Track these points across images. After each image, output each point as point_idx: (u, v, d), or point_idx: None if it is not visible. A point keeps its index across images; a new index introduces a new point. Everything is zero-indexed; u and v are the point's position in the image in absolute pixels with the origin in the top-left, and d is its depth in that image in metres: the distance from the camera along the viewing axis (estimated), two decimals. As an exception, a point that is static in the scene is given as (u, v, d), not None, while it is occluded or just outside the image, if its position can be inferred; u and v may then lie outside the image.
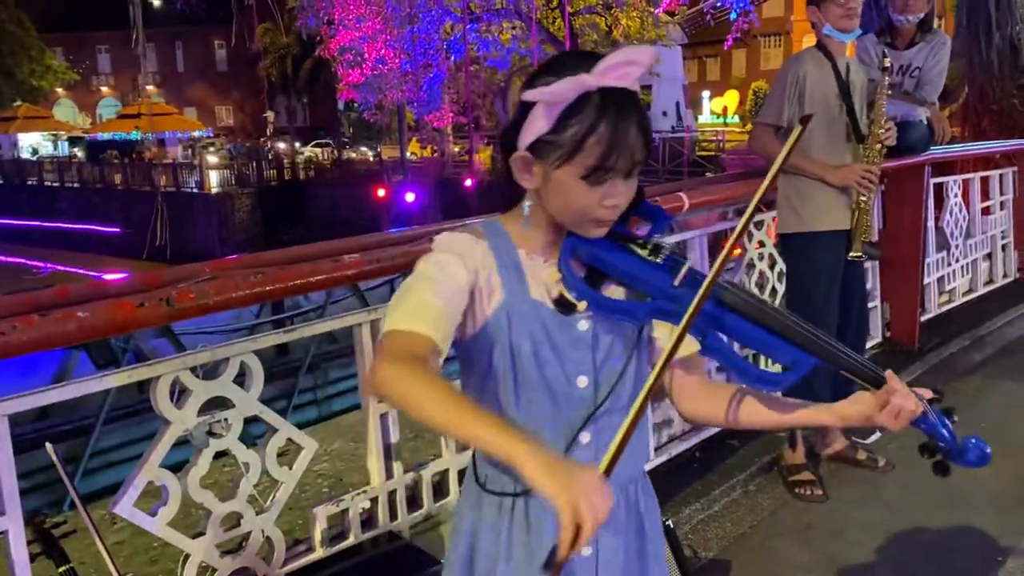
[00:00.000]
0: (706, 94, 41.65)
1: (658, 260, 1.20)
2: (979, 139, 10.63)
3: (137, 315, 1.72)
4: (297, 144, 37.10)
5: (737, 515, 3.08)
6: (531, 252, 1.22)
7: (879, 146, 3.07)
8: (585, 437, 1.24)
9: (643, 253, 1.21)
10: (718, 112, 39.36)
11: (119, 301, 1.70)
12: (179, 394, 2.11)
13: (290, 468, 2.28)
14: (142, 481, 2.02)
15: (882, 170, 4.24)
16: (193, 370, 2.09)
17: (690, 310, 1.11)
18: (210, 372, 2.15)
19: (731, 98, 39.18)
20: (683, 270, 1.19)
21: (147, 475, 2.03)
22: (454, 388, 1.10)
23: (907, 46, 4.22)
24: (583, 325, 1.22)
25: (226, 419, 2.14)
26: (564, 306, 1.20)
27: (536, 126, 1.12)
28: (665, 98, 27.93)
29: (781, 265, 3.72)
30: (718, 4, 17.70)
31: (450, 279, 1.16)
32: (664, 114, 27.75)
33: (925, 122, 4.16)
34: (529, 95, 1.12)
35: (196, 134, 36.32)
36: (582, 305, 1.20)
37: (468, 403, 1.04)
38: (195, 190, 28.00)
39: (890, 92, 3.13)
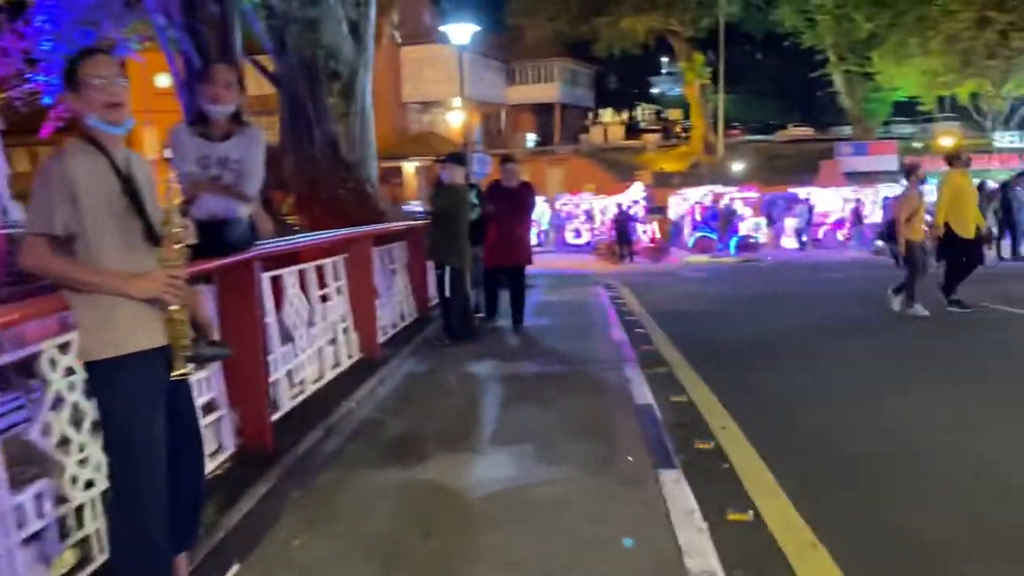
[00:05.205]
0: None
1: None
2: (316, 227, 11.42)
3: None
4: None
5: None
6: None
7: (178, 246, 2.69)
8: None
9: None
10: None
11: None
12: None
13: None
14: None
15: (212, 270, 3.97)
16: None
17: None
18: None
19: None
20: None
21: None
22: None
23: (223, 138, 4.03)
24: None
25: None
26: None
27: None
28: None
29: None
30: (27, 86, 15.94)
31: None
32: (-11, 209, 23.98)
33: (247, 219, 3.99)
34: None
35: None
36: None
37: None
38: None
39: (188, 185, 2.81)
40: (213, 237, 3.81)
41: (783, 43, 40.98)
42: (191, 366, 2.80)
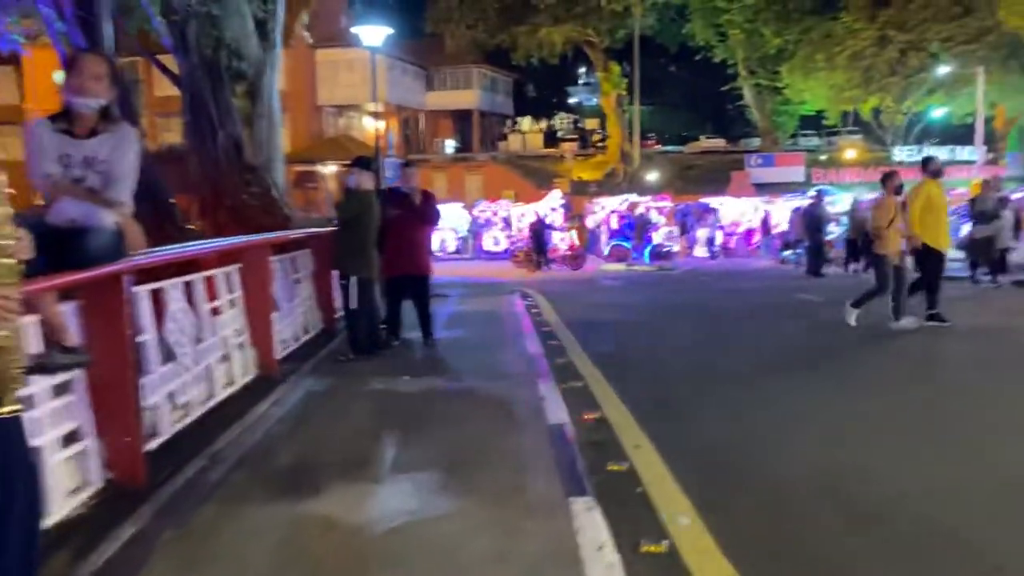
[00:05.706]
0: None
1: None
2: (219, 234, 10.83)
3: None
4: None
5: None
6: None
7: (8, 261, 2.27)
8: None
9: None
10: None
11: None
12: None
13: None
14: None
15: (72, 284, 3.53)
16: None
17: None
18: None
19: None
20: None
21: None
22: None
23: (89, 135, 3.61)
24: None
25: None
26: None
27: None
28: None
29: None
30: None
31: None
32: None
33: (113, 228, 3.56)
34: None
35: None
36: None
37: None
38: None
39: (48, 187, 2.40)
40: (72, 247, 3.39)
41: (696, 56, 41.83)
42: (21, 399, 2.40)
